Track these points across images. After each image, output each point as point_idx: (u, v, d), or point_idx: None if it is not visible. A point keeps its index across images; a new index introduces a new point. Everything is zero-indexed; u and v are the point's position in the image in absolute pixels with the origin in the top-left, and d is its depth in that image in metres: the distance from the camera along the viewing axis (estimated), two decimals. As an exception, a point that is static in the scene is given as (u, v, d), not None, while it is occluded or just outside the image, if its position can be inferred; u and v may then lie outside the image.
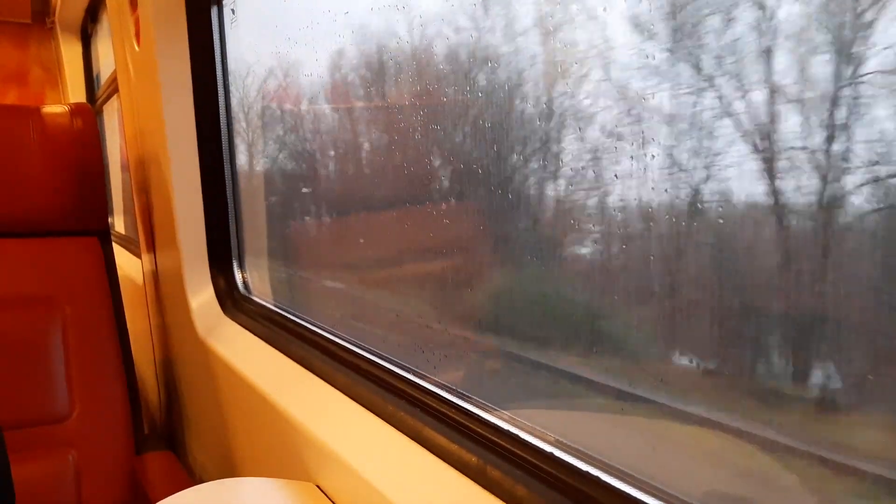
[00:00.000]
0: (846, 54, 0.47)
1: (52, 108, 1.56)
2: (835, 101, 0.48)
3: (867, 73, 0.45)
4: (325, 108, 1.24)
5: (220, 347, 1.40)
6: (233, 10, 1.49)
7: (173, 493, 0.95)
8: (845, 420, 0.53)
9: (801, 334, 0.54)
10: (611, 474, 0.65)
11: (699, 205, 0.58)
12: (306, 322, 1.33)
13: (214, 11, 1.49)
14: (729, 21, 0.54)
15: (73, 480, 1.36)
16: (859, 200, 0.48)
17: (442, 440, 0.82)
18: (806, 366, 0.54)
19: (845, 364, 0.51)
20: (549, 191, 0.73)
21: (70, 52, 3.72)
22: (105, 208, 1.60)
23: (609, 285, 0.70)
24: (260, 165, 1.56)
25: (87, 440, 1.40)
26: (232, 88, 1.54)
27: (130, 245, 2.61)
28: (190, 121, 1.53)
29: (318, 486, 0.96)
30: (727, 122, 0.55)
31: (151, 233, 1.81)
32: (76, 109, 1.57)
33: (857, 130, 0.47)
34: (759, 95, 0.53)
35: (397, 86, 0.97)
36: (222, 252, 1.61)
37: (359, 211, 1.20)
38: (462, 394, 0.89)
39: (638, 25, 0.61)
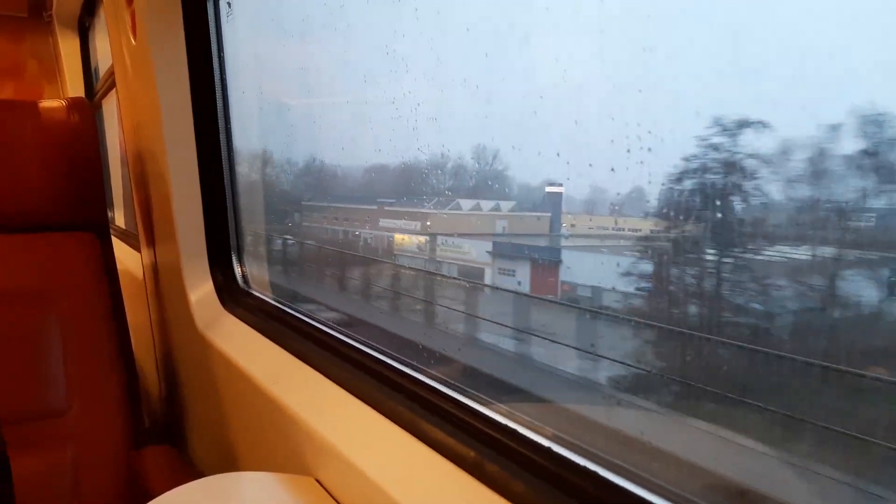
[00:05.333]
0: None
1: (50, 103, 1.56)
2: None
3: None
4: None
5: (220, 341, 1.40)
6: (228, 4, 1.48)
7: (173, 487, 0.95)
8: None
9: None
10: (609, 469, 0.65)
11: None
12: (305, 316, 1.32)
13: (210, 4, 1.48)
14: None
15: (71, 474, 1.36)
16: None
17: (440, 434, 0.82)
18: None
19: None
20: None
21: (67, 46, 3.70)
22: (104, 203, 1.60)
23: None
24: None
25: (85, 434, 1.40)
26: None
27: (130, 239, 2.61)
28: (187, 114, 1.52)
29: (317, 480, 0.96)
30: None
31: (150, 227, 1.80)
32: (73, 104, 1.56)
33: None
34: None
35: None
36: (221, 246, 1.61)
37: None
38: (460, 388, 0.89)
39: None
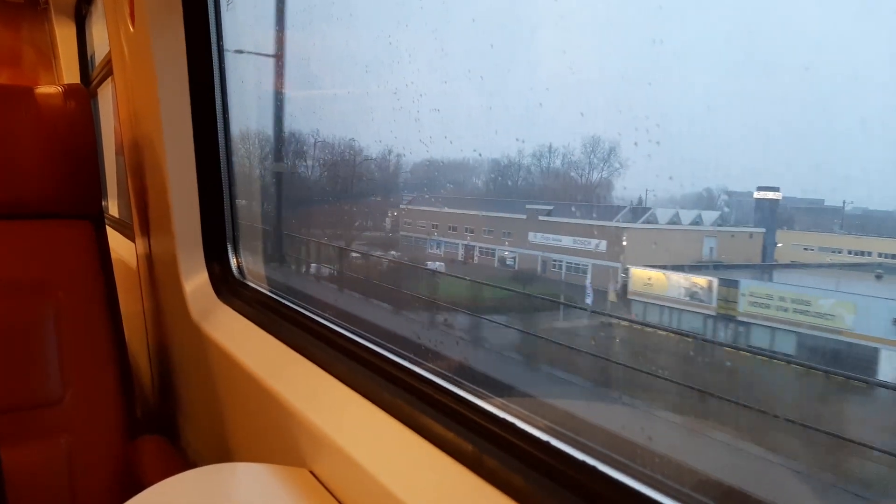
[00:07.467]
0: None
1: (46, 89, 1.54)
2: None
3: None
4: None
5: (215, 332, 1.39)
6: (229, -8, 1.47)
7: (166, 477, 0.95)
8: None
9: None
10: (608, 464, 0.65)
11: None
12: (301, 307, 1.32)
13: (210, -7, 1.47)
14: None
15: (65, 464, 1.36)
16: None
17: (438, 428, 0.82)
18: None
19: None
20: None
21: (64, 34, 3.67)
22: (98, 191, 1.58)
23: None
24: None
25: (79, 424, 1.39)
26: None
27: (124, 229, 2.59)
28: (185, 103, 1.51)
29: (311, 472, 0.96)
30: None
31: (146, 217, 1.79)
32: (70, 90, 1.54)
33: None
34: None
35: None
36: (217, 236, 1.60)
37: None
38: (458, 381, 0.89)
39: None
